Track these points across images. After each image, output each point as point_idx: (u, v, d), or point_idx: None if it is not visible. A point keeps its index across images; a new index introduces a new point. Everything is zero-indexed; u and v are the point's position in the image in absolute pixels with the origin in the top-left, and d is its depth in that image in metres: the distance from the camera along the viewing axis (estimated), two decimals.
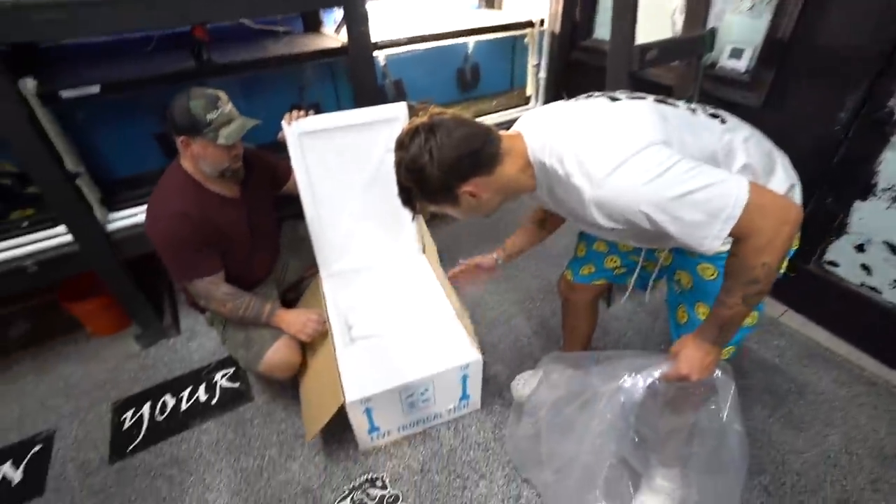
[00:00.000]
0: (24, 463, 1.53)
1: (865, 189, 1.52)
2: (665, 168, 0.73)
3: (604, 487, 1.03)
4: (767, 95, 1.60)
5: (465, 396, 1.51)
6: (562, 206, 0.93)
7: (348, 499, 1.38)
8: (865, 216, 1.55)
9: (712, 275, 0.99)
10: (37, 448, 1.57)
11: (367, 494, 1.39)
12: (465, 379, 1.45)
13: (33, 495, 1.44)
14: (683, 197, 0.72)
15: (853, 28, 1.39)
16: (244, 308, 1.42)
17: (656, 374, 0.89)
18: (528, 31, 2.36)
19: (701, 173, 0.73)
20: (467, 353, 1.42)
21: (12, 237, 1.60)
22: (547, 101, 2.46)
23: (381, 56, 2.11)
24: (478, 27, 2.26)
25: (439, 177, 0.83)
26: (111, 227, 1.69)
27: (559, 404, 1.06)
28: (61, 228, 1.60)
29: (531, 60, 2.44)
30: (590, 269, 1.31)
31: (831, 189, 1.60)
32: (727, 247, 0.80)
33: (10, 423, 1.67)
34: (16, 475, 1.50)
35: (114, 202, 1.75)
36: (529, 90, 2.52)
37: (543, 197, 0.96)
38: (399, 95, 2.35)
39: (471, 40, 2.36)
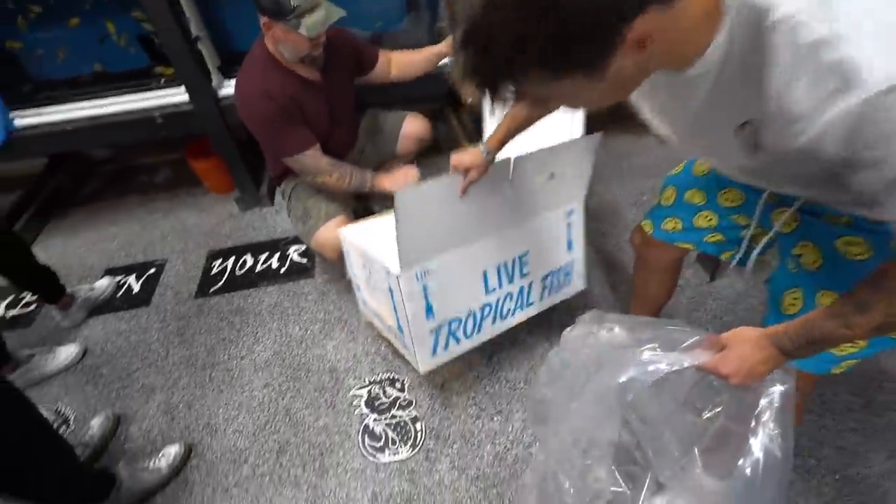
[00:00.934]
0: (143, 280, 1.87)
1: None
2: None
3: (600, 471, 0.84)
4: None
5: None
6: (718, 104, 0.54)
7: (366, 389, 1.41)
8: None
9: (859, 254, 0.68)
10: (152, 271, 1.90)
11: (384, 391, 1.41)
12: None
13: (142, 304, 1.77)
14: None
15: None
16: (350, 177, 1.44)
17: (686, 362, 0.65)
18: None
19: None
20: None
21: (150, 89, 1.84)
22: None
23: None
24: None
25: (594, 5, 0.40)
26: (223, 92, 1.83)
27: (576, 366, 0.87)
28: (182, 88, 1.77)
29: None
30: (675, 223, 1.01)
31: None
32: None
33: (142, 247, 2.04)
34: (136, 286, 1.85)
35: (230, 71, 1.87)
36: None
37: (697, 86, 0.53)
38: None
39: None
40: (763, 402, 0.68)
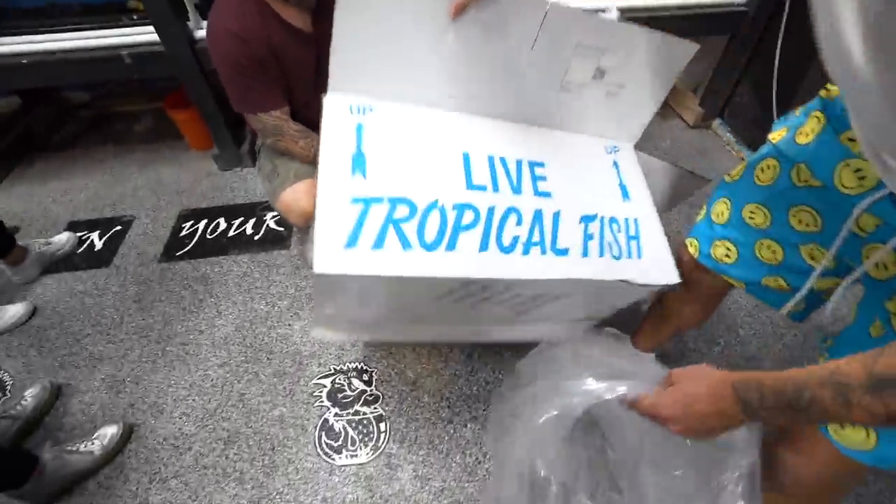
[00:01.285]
0: (106, 237, 1.72)
1: None
2: None
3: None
4: None
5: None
6: None
7: (330, 379, 1.27)
8: None
9: None
10: (118, 228, 1.75)
11: (350, 383, 1.26)
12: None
13: (101, 265, 1.62)
14: None
15: None
16: (315, 147, 1.22)
17: (620, 390, 0.56)
18: None
19: None
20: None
21: (120, 26, 1.64)
22: None
23: None
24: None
25: None
26: (199, 34, 1.62)
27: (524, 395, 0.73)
28: (152, 28, 1.56)
29: None
30: (728, 250, 0.77)
31: None
32: None
33: (111, 201, 1.88)
34: (98, 244, 1.70)
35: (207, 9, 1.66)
36: None
37: None
38: None
39: None
40: (725, 477, 0.54)
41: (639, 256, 0.80)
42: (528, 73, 0.77)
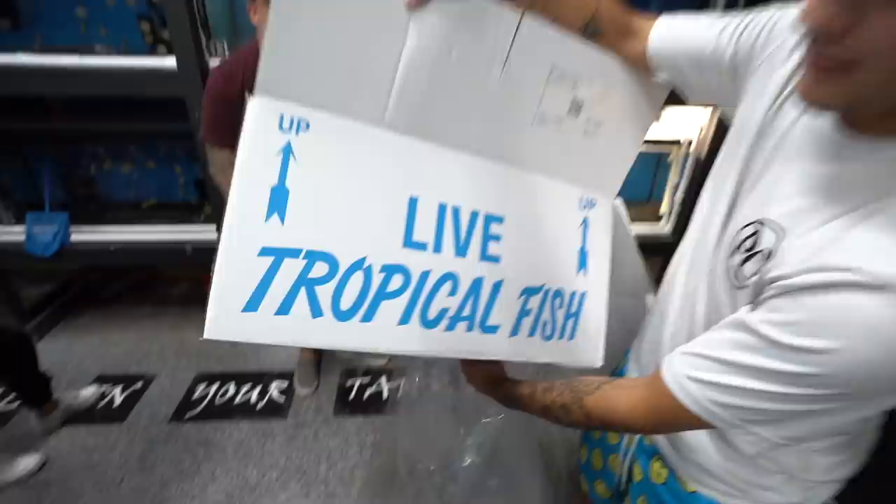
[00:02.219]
0: (126, 393, 1.94)
1: None
2: None
3: None
4: None
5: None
6: (771, 191, 0.50)
7: None
8: None
9: None
10: (138, 384, 1.98)
11: None
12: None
13: (116, 420, 1.81)
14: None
15: None
16: None
17: None
18: (673, 148, 2.19)
19: None
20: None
21: (190, 224, 2.14)
22: (677, 225, 2.19)
23: None
24: None
25: None
26: None
27: None
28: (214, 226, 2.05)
29: (672, 179, 2.24)
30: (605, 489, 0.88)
31: None
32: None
33: (138, 358, 2.14)
34: (118, 399, 1.91)
35: None
36: (664, 208, 2.29)
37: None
38: None
39: None
40: None
41: (571, 337, 0.74)
42: (498, 96, 0.63)
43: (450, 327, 0.64)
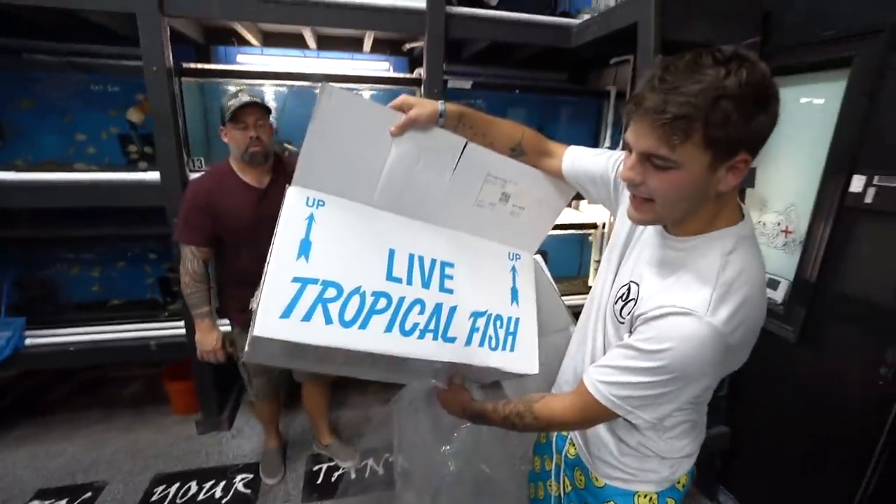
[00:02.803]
0: None
1: None
2: None
3: None
4: (802, 332, 1.54)
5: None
6: (636, 262, 0.82)
7: None
8: None
9: None
10: (87, 495, 1.89)
11: None
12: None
13: None
14: (664, 389, 0.72)
15: (877, 283, 1.36)
16: (192, 292, 1.61)
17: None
18: (592, 231, 2.64)
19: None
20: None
21: (154, 322, 2.20)
22: None
23: None
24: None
25: (747, 118, 0.60)
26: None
27: None
28: (181, 323, 2.14)
29: (593, 256, 2.66)
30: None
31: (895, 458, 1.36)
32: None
33: (87, 465, 2.04)
34: None
35: (224, 309, 2.29)
36: (591, 281, 2.68)
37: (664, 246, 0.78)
38: None
39: None
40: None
41: (511, 349, 0.99)
42: (450, 190, 0.96)
43: (420, 336, 0.90)
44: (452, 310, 0.95)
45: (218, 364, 1.86)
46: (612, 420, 0.81)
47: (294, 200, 0.87)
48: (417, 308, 0.91)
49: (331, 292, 0.84)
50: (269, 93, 2.17)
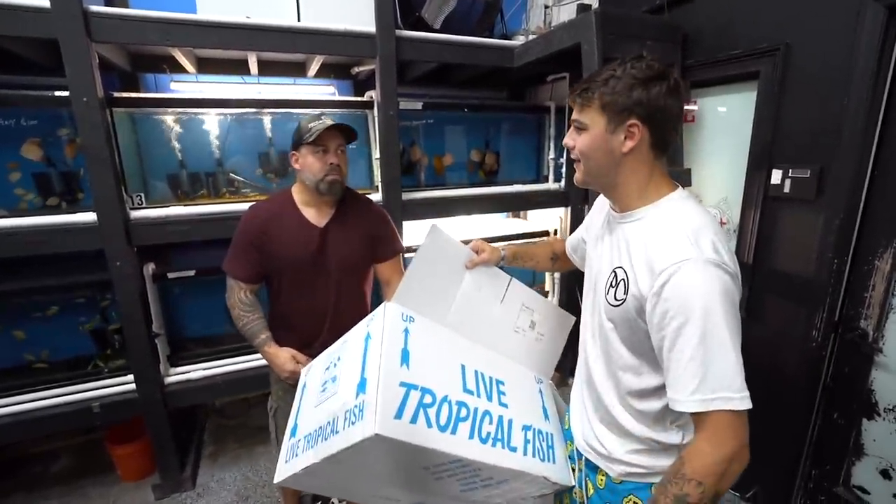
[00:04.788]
0: None
1: (868, 408, 1.51)
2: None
3: None
4: (747, 310, 1.76)
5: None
6: (609, 255, 0.94)
7: None
8: (878, 438, 1.50)
9: None
10: None
11: None
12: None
13: None
14: (719, 334, 0.74)
15: (800, 259, 1.60)
16: (246, 322, 1.45)
17: None
18: (545, 239, 2.80)
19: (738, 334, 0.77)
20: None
21: (91, 380, 1.96)
22: (561, 297, 2.74)
23: None
24: (504, 235, 2.76)
25: (629, 90, 0.81)
26: (168, 380, 2.01)
27: None
28: (129, 377, 1.93)
29: None
30: None
31: (831, 405, 1.59)
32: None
33: None
34: None
35: (177, 358, 2.11)
36: (547, 286, 2.84)
37: (607, 228, 0.97)
38: None
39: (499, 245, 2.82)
40: None
41: (553, 461, 1.09)
42: (497, 316, 1.20)
43: (493, 444, 0.99)
44: (510, 422, 1.05)
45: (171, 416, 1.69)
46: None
47: (393, 314, 1.01)
48: (488, 419, 1.00)
49: (427, 398, 0.92)
50: (209, 122, 2.07)
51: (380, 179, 2.20)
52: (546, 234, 2.80)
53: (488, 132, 2.70)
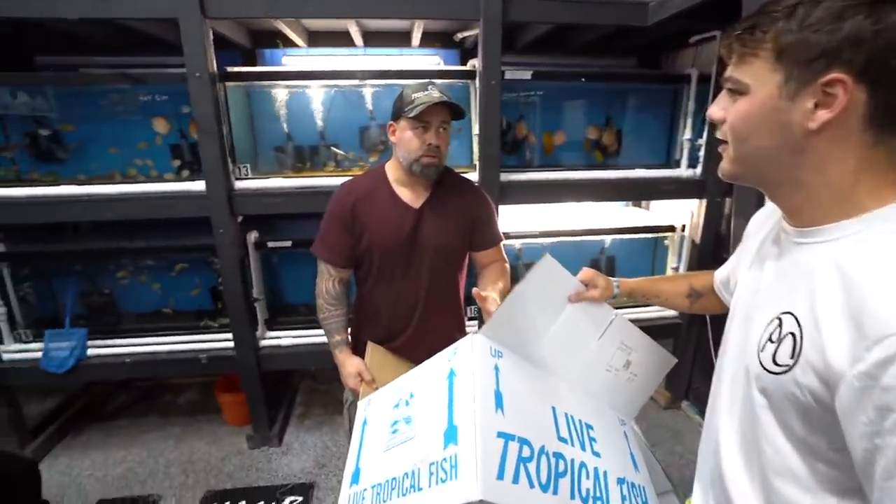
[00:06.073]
0: None
1: None
2: None
3: None
4: None
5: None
6: (772, 291, 0.61)
7: None
8: None
9: None
10: None
11: None
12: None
13: None
14: None
15: None
16: (327, 317, 1.37)
17: None
18: (669, 234, 2.35)
19: None
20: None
21: (205, 333, 2.18)
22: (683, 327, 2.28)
23: (517, 242, 2.35)
24: (617, 227, 2.39)
25: (834, 19, 0.48)
26: (263, 343, 2.15)
27: None
28: (229, 336, 2.10)
29: (670, 262, 2.37)
30: None
31: None
32: None
33: (143, 478, 2.06)
34: None
35: (275, 322, 2.24)
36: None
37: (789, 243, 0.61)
38: None
39: (607, 238, 2.45)
40: None
41: None
42: (591, 353, 1.06)
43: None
44: (605, 475, 0.91)
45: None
46: None
47: (482, 349, 0.88)
48: (584, 472, 0.86)
49: (525, 451, 0.78)
50: (313, 94, 2.07)
51: (478, 157, 2.01)
52: (671, 229, 2.34)
53: (609, 106, 2.30)
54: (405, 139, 1.23)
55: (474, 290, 1.15)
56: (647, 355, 1.11)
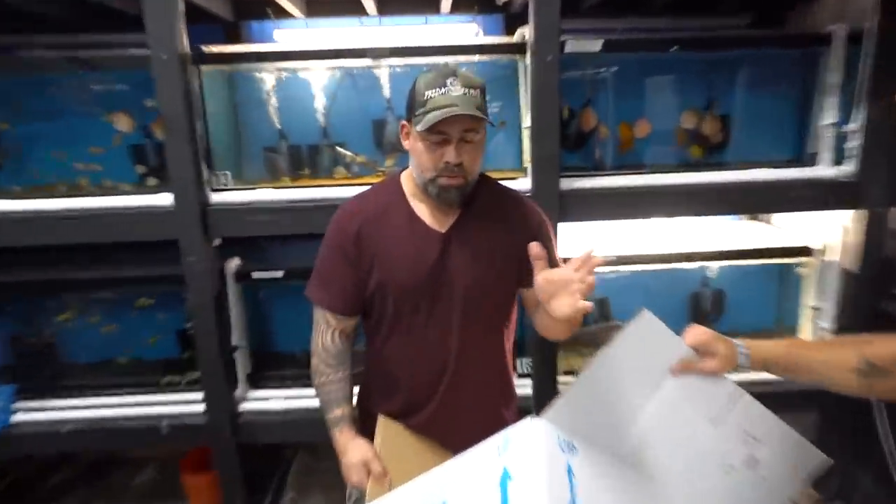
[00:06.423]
0: None
1: None
2: None
3: None
4: None
5: None
6: None
7: None
8: None
9: None
10: None
11: None
12: None
13: None
14: None
15: None
16: (324, 382, 1.33)
17: None
18: (805, 260, 2.20)
19: None
20: None
21: (168, 392, 2.18)
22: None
23: None
24: (726, 250, 2.26)
25: None
26: (244, 406, 2.12)
27: None
28: (199, 396, 2.07)
29: (808, 301, 2.21)
30: None
31: None
32: None
33: None
34: None
35: (260, 378, 2.21)
36: (801, 335, 2.24)
37: None
38: (602, 316, 2.41)
39: (713, 265, 2.33)
40: None
41: None
42: (703, 443, 1.00)
43: None
44: None
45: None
46: None
47: (548, 442, 0.88)
48: None
49: None
50: (312, 79, 2.09)
51: (529, 158, 1.95)
52: (807, 252, 2.19)
53: (712, 83, 2.22)
54: (416, 152, 1.19)
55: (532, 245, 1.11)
56: (784, 450, 1.03)
